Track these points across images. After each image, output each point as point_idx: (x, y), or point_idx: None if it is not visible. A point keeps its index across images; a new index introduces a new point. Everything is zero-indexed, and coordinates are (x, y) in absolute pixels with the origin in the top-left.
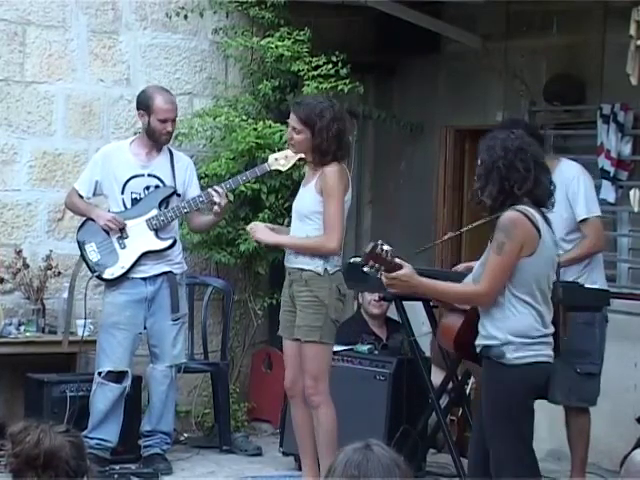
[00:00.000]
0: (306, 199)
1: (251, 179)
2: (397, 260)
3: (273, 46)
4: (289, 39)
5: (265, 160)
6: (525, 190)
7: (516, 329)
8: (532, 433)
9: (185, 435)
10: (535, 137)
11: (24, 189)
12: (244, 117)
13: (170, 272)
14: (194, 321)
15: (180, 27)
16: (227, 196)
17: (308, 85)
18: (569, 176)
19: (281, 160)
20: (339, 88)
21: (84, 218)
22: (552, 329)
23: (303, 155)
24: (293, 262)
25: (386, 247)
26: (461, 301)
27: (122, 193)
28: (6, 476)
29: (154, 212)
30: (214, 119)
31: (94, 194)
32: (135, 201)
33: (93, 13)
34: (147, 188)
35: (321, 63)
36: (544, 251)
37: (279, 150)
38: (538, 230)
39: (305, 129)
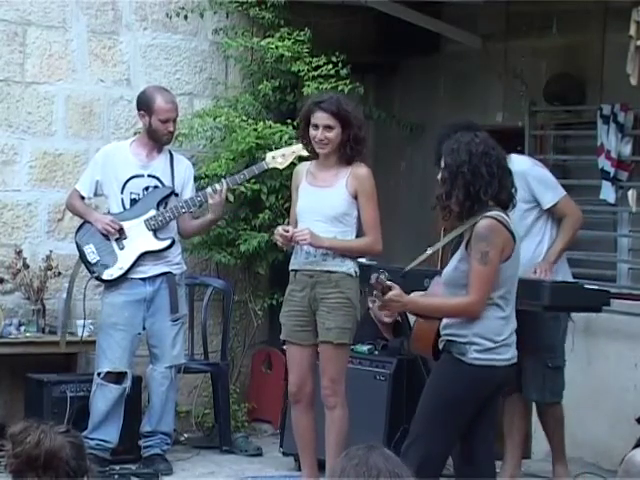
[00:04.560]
0: (334, 200)
1: (249, 177)
2: (387, 283)
3: (273, 46)
4: (289, 39)
5: (263, 159)
6: (490, 194)
7: (482, 331)
8: (455, 438)
9: (185, 435)
10: None
11: (24, 189)
12: (244, 117)
13: (169, 273)
14: (194, 321)
15: (180, 27)
16: (227, 196)
17: (308, 85)
18: (522, 170)
19: (278, 158)
20: (339, 88)
21: (83, 219)
22: (514, 326)
23: (303, 153)
24: (320, 264)
25: (384, 274)
26: (453, 314)
27: (122, 193)
28: (6, 476)
29: (152, 212)
30: (214, 119)
31: (95, 194)
32: (134, 201)
33: (93, 13)
34: (146, 189)
35: (321, 63)
36: (517, 254)
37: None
38: (513, 234)
39: (337, 123)
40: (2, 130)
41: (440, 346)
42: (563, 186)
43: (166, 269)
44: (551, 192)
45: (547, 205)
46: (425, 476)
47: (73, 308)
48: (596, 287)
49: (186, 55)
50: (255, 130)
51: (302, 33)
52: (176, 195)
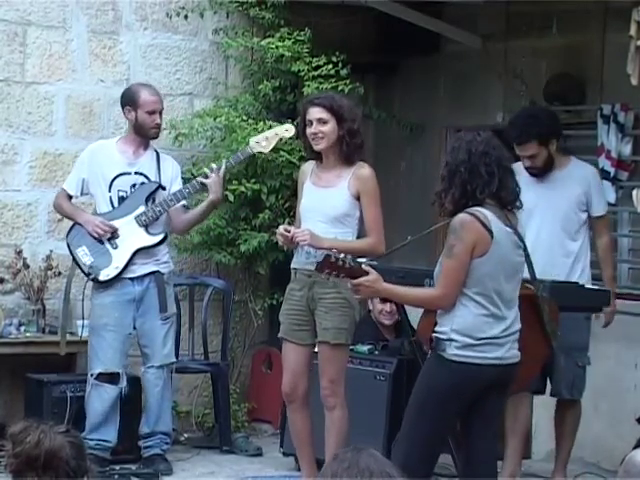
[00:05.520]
0: (336, 201)
1: (235, 164)
2: (363, 267)
3: (273, 46)
4: (289, 39)
5: (247, 144)
6: (487, 194)
7: (459, 327)
8: (443, 436)
9: (185, 435)
10: (556, 126)
11: (24, 189)
12: (244, 117)
13: (157, 272)
14: (194, 321)
15: (180, 27)
16: (226, 195)
17: (308, 85)
18: (587, 173)
19: (262, 142)
20: (339, 88)
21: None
22: (514, 329)
23: (286, 135)
24: None
25: (341, 256)
26: (421, 305)
27: (109, 191)
28: (6, 476)
29: (142, 209)
30: (214, 119)
31: (82, 193)
32: (122, 199)
33: (93, 13)
34: (134, 186)
35: (321, 63)
36: (497, 251)
37: (279, 150)
38: (490, 231)
39: (331, 117)
40: (2, 130)
41: None
42: None
43: (154, 268)
44: (604, 203)
45: (598, 213)
46: (410, 473)
47: (73, 308)
48: (596, 287)
49: (186, 55)
50: (255, 130)
51: (302, 33)
52: (163, 189)
